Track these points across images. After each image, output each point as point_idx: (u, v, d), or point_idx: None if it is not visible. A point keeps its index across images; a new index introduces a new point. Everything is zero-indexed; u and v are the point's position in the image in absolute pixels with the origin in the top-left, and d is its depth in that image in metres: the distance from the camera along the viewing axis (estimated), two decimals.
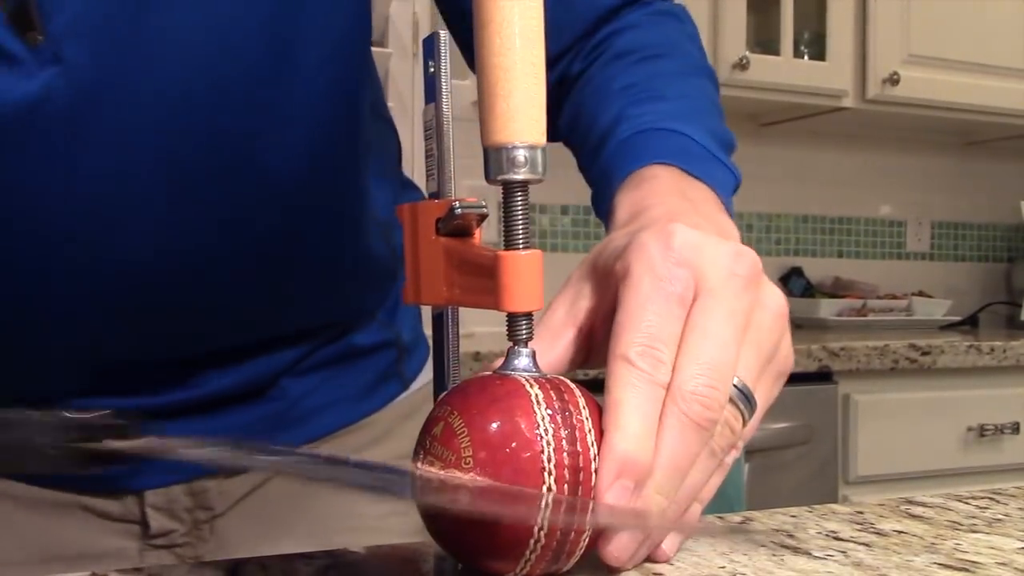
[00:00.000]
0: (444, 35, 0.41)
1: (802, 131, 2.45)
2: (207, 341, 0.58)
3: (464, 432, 0.36)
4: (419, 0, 1.79)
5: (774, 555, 0.41)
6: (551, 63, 0.63)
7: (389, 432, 0.67)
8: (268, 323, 0.60)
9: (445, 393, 0.40)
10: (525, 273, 0.37)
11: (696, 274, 0.38)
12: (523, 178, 0.37)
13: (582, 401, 0.37)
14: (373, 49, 0.72)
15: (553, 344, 0.41)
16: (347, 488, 0.63)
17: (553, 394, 0.37)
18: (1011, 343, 1.91)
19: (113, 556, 0.60)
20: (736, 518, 0.47)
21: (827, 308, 2.35)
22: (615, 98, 0.57)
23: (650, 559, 0.39)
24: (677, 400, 0.36)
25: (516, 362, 0.38)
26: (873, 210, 2.64)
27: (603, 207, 0.51)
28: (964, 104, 2.26)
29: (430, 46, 0.41)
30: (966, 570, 0.39)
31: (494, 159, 0.37)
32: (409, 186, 0.72)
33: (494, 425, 0.36)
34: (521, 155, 0.37)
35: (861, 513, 0.48)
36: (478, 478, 0.35)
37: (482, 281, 0.38)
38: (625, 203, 0.48)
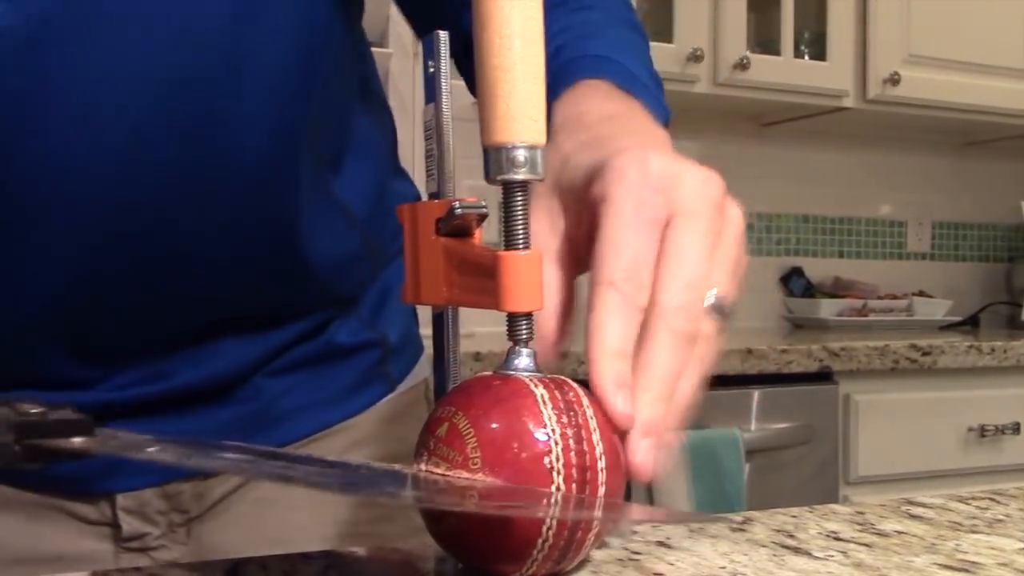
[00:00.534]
0: (444, 35, 0.41)
1: (802, 131, 2.45)
2: (167, 318, 0.56)
3: (470, 433, 0.36)
4: None
5: (774, 555, 0.41)
6: None
7: (372, 435, 0.66)
8: (227, 301, 0.58)
9: (447, 394, 0.40)
10: (525, 273, 0.37)
11: (672, 198, 0.41)
12: (523, 178, 0.37)
13: (586, 400, 0.37)
14: (373, 49, 0.72)
15: (547, 264, 0.43)
16: (322, 489, 0.61)
17: (558, 393, 0.37)
18: (1011, 343, 1.91)
19: (88, 559, 0.59)
20: (736, 518, 0.47)
21: (827, 308, 2.35)
22: (551, 38, 0.58)
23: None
24: (665, 316, 0.39)
25: (517, 362, 0.38)
26: (873, 210, 2.63)
27: None
28: (964, 104, 2.26)
29: (430, 46, 0.41)
30: (966, 571, 0.39)
31: (494, 159, 0.37)
32: (401, 175, 0.71)
33: (501, 425, 0.36)
34: (521, 155, 0.37)
35: (861, 513, 0.48)
36: (486, 479, 0.35)
37: (482, 281, 0.38)
38: (560, 109, 0.49)
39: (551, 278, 0.42)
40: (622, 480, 0.38)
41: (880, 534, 0.44)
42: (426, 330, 0.49)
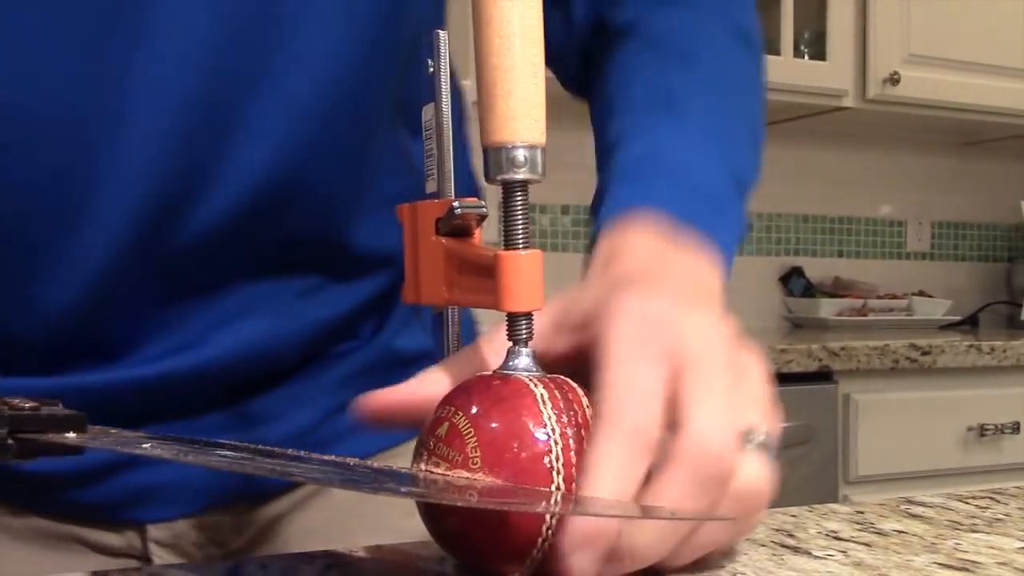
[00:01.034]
0: (444, 35, 0.41)
1: (802, 131, 2.45)
2: (208, 268, 0.51)
3: (470, 432, 0.36)
4: None
5: (774, 554, 0.41)
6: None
7: None
8: (274, 250, 0.53)
9: (447, 394, 0.40)
10: (525, 273, 0.37)
11: (677, 336, 0.37)
12: (523, 178, 0.37)
13: (585, 400, 0.37)
14: None
15: None
16: (323, 484, 0.56)
17: (558, 393, 0.37)
18: (1011, 343, 1.91)
19: None
20: None
21: (827, 308, 2.35)
22: (632, 104, 0.54)
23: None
24: (685, 450, 0.35)
25: (517, 362, 0.38)
26: (873, 210, 2.64)
27: (591, 230, 0.50)
28: (964, 104, 2.26)
29: (430, 45, 0.41)
30: (966, 570, 0.39)
31: (494, 159, 0.37)
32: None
33: (501, 425, 0.36)
34: (521, 155, 0.37)
35: (861, 513, 0.48)
36: (485, 478, 0.35)
37: (482, 281, 0.38)
38: (604, 249, 0.46)
39: None
40: None
41: (880, 533, 0.44)
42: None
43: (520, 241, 0.37)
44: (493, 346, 0.40)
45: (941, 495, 0.53)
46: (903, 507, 0.50)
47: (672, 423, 0.35)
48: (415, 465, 0.38)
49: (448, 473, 0.36)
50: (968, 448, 1.90)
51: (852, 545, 0.42)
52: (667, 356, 0.37)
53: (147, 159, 0.47)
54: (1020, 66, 2.30)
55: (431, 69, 0.42)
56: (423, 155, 0.43)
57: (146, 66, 0.46)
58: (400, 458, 0.56)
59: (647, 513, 0.35)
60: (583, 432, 0.36)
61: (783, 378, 1.71)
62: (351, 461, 0.40)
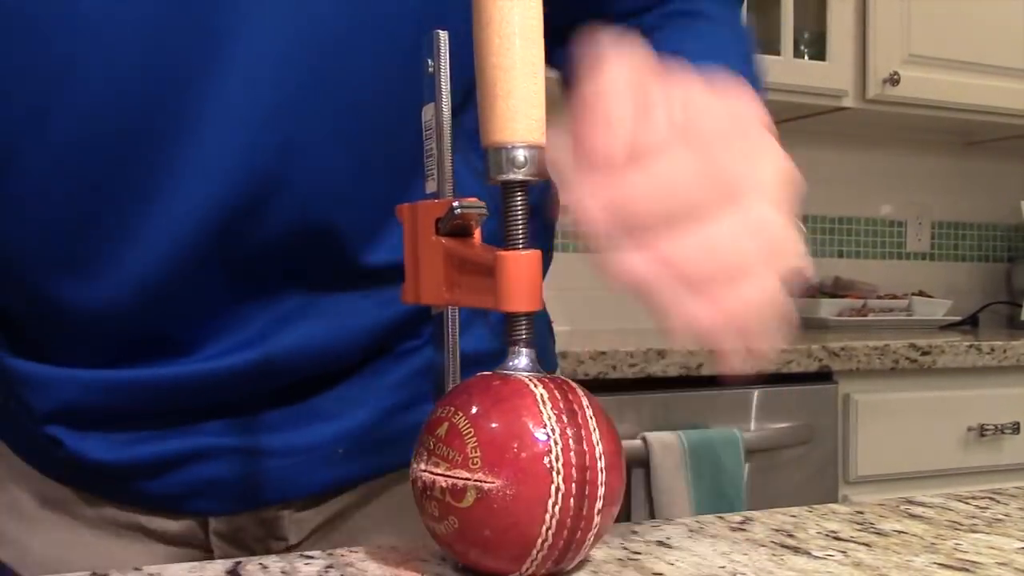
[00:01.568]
0: (444, 35, 0.41)
1: (802, 131, 2.44)
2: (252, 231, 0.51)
3: (470, 432, 0.36)
4: None
5: (774, 555, 0.41)
6: (626, 14, 0.61)
7: None
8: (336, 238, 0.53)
9: (447, 394, 0.40)
10: (525, 273, 0.37)
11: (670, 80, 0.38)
12: (523, 178, 0.37)
13: (585, 400, 0.37)
14: None
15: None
16: None
17: (557, 393, 0.37)
18: (1011, 343, 1.91)
19: None
20: (736, 518, 0.47)
21: (827, 308, 2.35)
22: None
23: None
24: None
25: (516, 362, 0.38)
26: (873, 210, 2.63)
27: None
28: (964, 104, 2.26)
29: (430, 45, 0.41)
30: (966, 570, 0.39)
31: (494, 159, 0.37)
32: None
33: (501, 425, 0.36)
34: (521, 155, 0.37)
35: (861, 513, 0.48)
36: (485, 478, 0.35)
37: (482, 281, 0.38)
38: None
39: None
40: (622, 480, 0.38)
41: (880, 533, 0.44)
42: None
43: (520, 241, 0.37)
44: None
45: (941, 495, 0.53)
46: (903, 507, 0.50)
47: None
48: (415, 465, 0.38)
49: (448, 473, 0.36)
50: (968, 448, 1.90)
51: (852, 545, 0.42)
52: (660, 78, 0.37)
53: (222, 164, 0.48)
54: (1020, 66, 2.30)
55: (431, 69, 0.42)
56: (423, 155, 0.43)
57: (225, 74, 0.47)
58: None
59: None
60: (583, 433, 0.36)
61: (783, 378, 1.71)
62: None
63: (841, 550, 0.42)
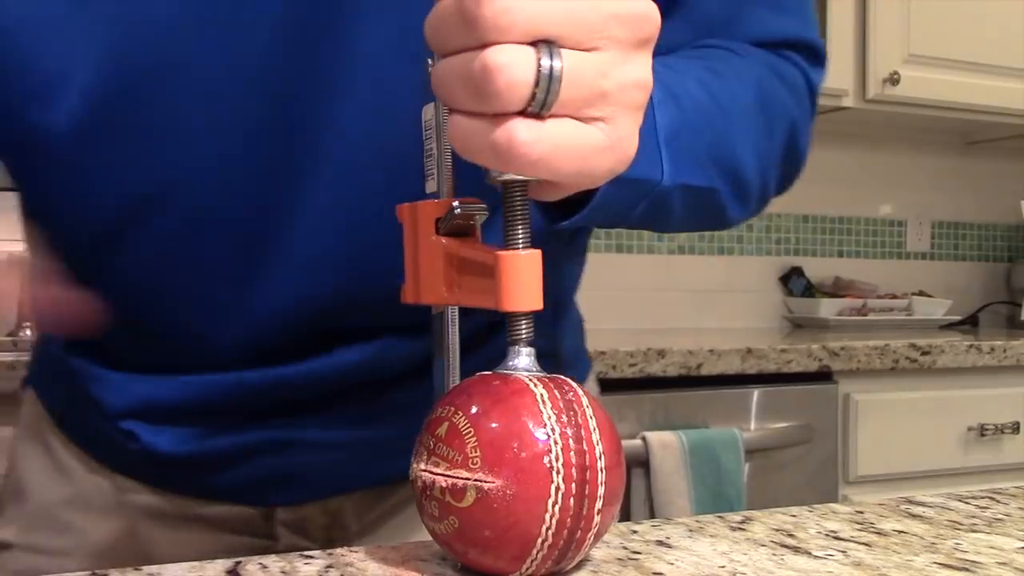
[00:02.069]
0: None
1: None
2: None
3: (470, 432, 0.36)
4: None
5: (774, 554, 0.41)
6: (676, 46, 0.58)
7: None
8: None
9: (447, 394, 0.40)
10: (525, 273, 0.37)
11: None
12: (523, 178, 0.37)
13: (585, 400, 0.37)
14: None
15: None
16: None
17: (557, 393, 0.37)
18: (1011, 343, 1.91)
19: None
20: (736, 517, 0.47)
21: (827, 308, 2.35)
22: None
23: None
24: None
25: (516, 362, 0.38)
26: (873, 210, 2.63)
27: None
28: (964, 104, 2.26)
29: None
30: (966, 570, 0.39)
31: None
32: None
33: (501, 425, 0.36)
34: None
35: (861, 513, 0.48)
36: (485, 478, 0.35)
37: (482, 281, 0.38)
38: None
39: None
40: (622, 480, 0.38)
41: (880, 533, 0.44)
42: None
43: (520, 241, 0.37)
44: None
45: (941, 495, 0.53)
46: (903, 507, 0.50)
47: None
48: (415, 465, 0.38)
49: (448, 473, 0.36)
50: (968, 448, 1.90)
51: (852, 545, 0.42)
52: None
53: (311, 254, 0.51)
54: (1020, 66, 2.30)
55: (431, 69, 0.41)
56: (423, 155, 0.43)
57: (318, 176, 0.50)
58: None
59: None
60: (583, 432, 0.36)
61: (783, 378, 1.71)
62: None
63: (841, 550, 0.42)
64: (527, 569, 0.36)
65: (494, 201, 0.39)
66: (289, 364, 0.55)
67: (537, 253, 0.37)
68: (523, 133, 0.34)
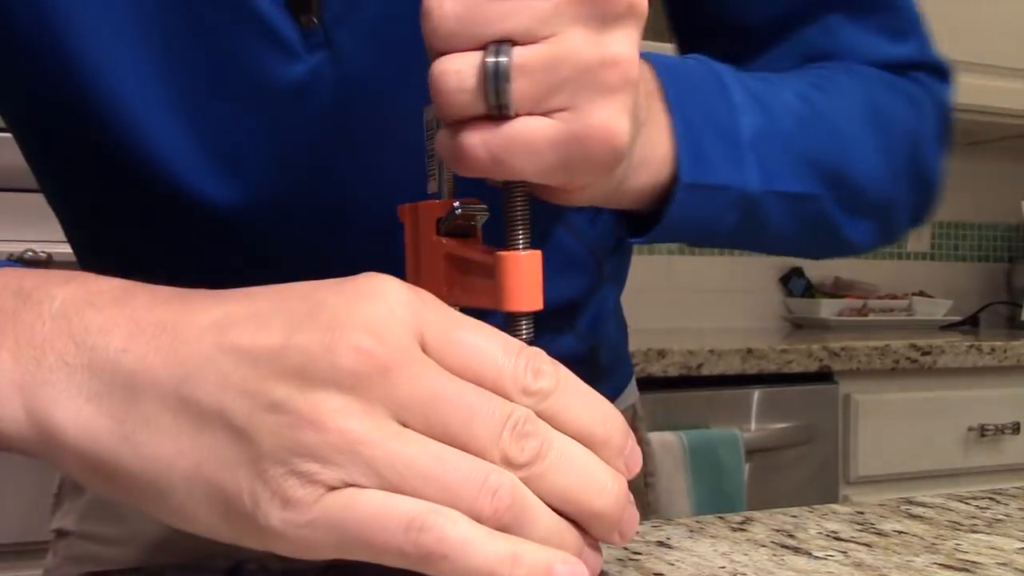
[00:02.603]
0: None
1: None
2: None
3: None
4: None
5: (774, 555, 0.41)
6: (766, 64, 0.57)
7: None
8: None
9: None
10: (525, 273, 0.37)
11: None
12: (523, 178, 0.37)
13: None
14: None
15: None
16: None
17: None
18: (1012, 343, 1.91)
19: None
20: (736, 518, 0.47)
21: (828, 308, 2.35)
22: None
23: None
24: None
25: None
26: None
27: None
28: (964, 104, 2.26)
29: None
30: (966, 570, 0.39)
31: None
32: None
33: None
34: None
35: (861, 513, 0.48)
36: None
37: (483, 281, 0.38)
38: None
39: None
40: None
41: (880, 534, 0.44)
42: None
43: (520, 241, 0.37)
44: None
45: (941, 495, 0.53)
46: (903, 507, 0.50)
47: None
48: None
49: None
50: (968, 448, 1.90)
51: (852, 545, 0.42)
52: None
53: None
54: (1020, 66, 2.30)
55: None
56: (424, 154, 0.43)
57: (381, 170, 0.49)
58: None
59: None
60: None
61: (783, 378, 1.71)
62: None
63: (841, 550, 0.42)
64: None
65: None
66: None
67: (537, 253, 0.37)
68: (469, 137, 0.34)
